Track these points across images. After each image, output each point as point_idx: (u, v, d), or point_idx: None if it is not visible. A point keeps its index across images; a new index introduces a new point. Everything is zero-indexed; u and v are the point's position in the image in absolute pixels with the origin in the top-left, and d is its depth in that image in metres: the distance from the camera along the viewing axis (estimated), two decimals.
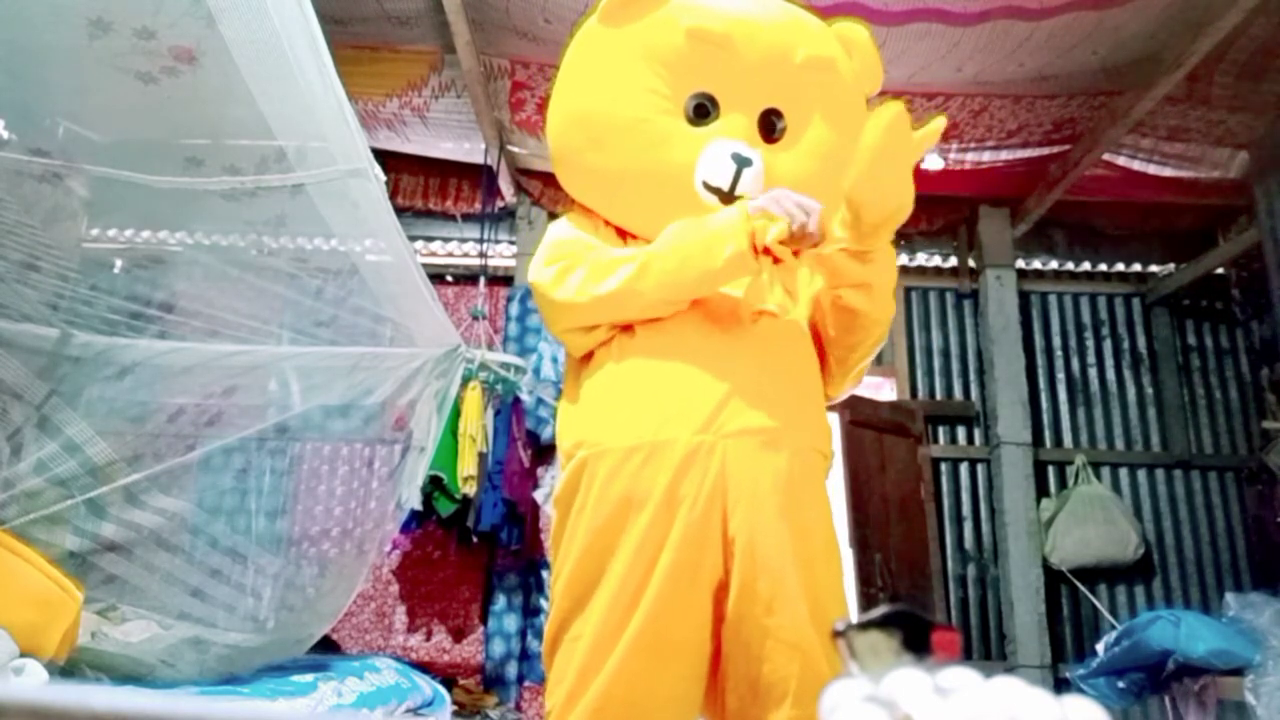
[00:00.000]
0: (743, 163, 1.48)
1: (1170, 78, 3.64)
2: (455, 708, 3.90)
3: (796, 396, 1.47)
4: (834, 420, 4.53)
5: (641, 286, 1.42)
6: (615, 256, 1.47)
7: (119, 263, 3.39)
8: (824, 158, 1.57)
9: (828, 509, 1.47)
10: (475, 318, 4.41)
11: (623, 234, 1.61)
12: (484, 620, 4.45)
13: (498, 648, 4.36)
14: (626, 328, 1.49)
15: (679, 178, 1.50)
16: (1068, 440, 4.99)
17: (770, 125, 1.56)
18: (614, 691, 1.32)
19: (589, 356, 1.53)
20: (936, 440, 4.98)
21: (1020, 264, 5.12)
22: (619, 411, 1.45)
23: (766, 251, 1.40)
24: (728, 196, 1.48)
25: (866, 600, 4.23)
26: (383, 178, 2.36)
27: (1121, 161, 4.47)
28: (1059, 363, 5.11)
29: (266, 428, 3.34)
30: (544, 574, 4.37)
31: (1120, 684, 4.00)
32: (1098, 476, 4.80)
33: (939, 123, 1.38)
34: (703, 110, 1.55)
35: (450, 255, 5.11)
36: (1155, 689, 3.96)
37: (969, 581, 4.79)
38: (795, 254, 1.52)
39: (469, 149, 4.60)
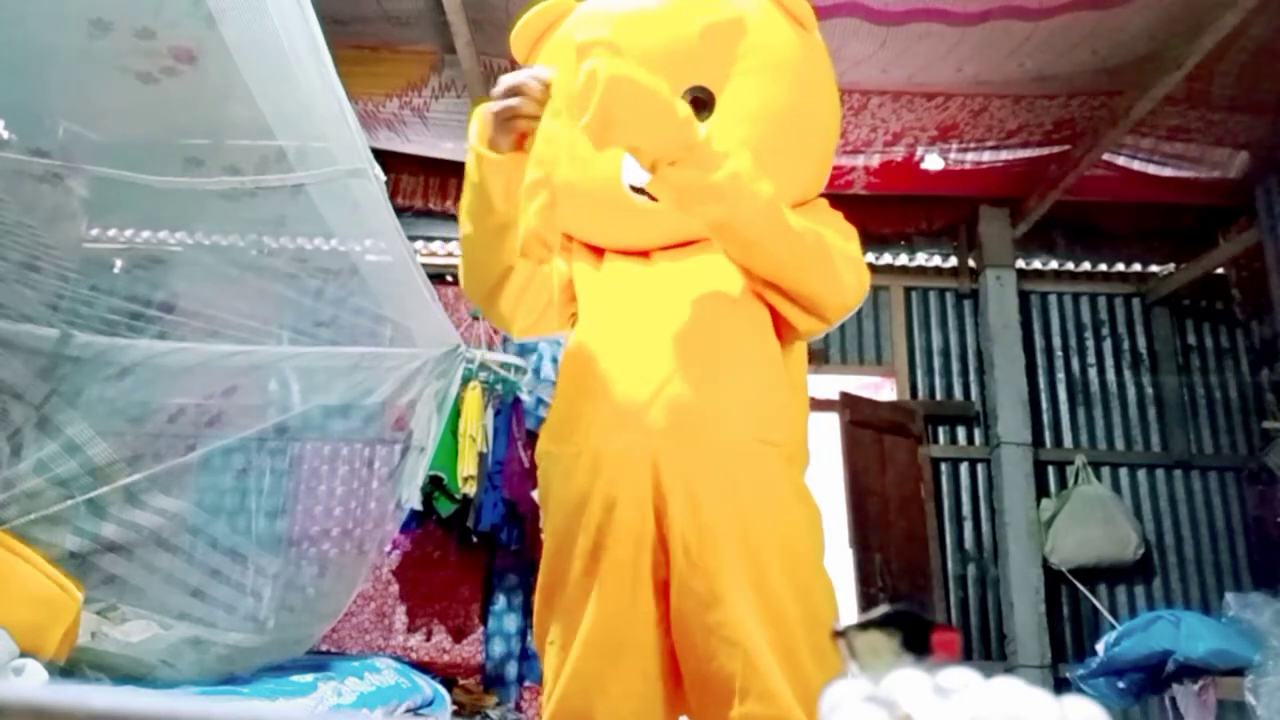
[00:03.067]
0: None
1: (1170, 78, 3.64)
2: (455, 708, 3.90)
3: (731, 385, 1.41)
4: (833, 419, 4.54)
5: (461, 233, 1.48)
6: None
7: (119, 263, 3.40)
8: (765, 118, 1.51)
9: (784, 496, 1.40)
10: (475, 318, 4.41)
11: (594, 249, 1.60)
12: (484, 620, 4.45)
13: (498, 648, 4.36)
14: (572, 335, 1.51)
15: (609, 189, 1.48)
16: (1068, 440, 4.99)
17: (699, 104, 1.51)
18: (569, 694, 1.34)
19: None
20: (936, 440, 4.98)
21: (1020, 264, 5.12)
22: (564, 416, 1.47)
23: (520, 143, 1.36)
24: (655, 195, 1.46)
25: (866, 600, 4.23)
26: (383, 178, 2.36)
27: (1121, 161, 4.47)
28: (1059, 363, 5.11)
29: (266, 428, 3.34)
30: None
31: (1120, 684, 4.00)
32: (1098, 476, 4.80)
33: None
34: None
35: (450, 255, 5.11)
36: (1155, 689, 3.97)
37: (969, 581, 4.79)
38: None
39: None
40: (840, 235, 1.50)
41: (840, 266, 1.45)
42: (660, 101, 1.27)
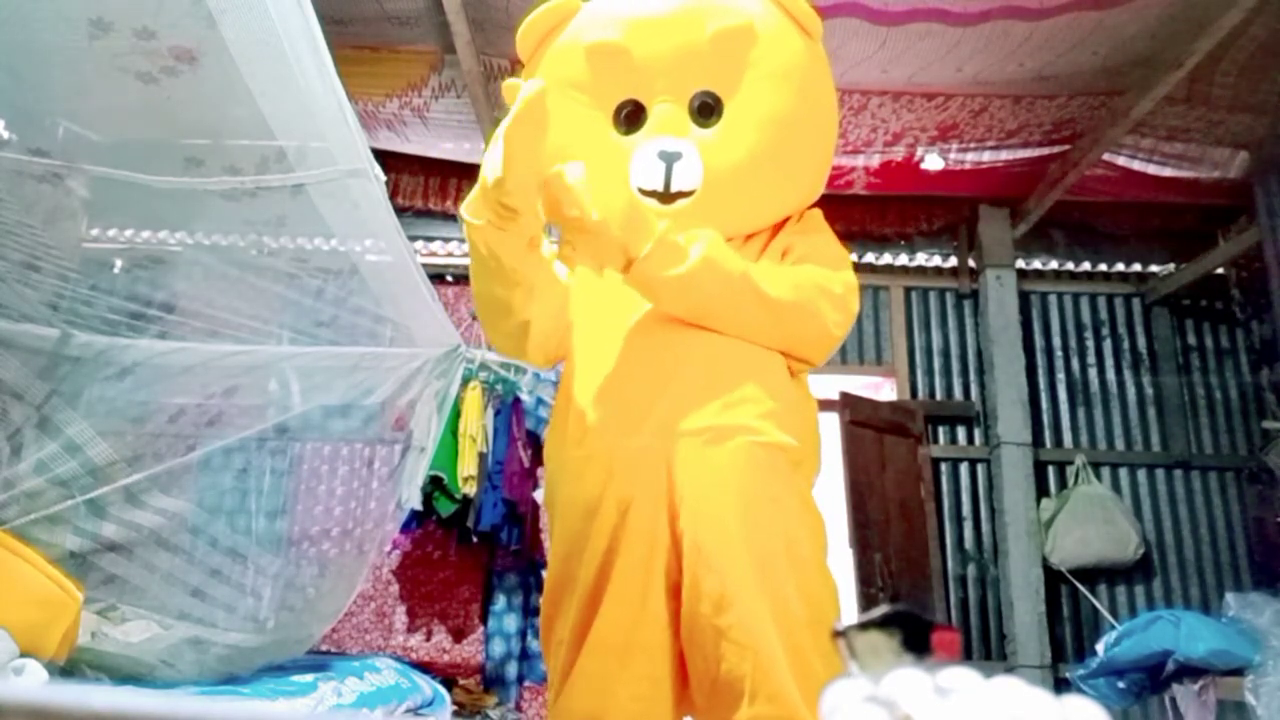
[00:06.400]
0: (670, 158, 1.47)
1: (1170, 78, 3.64)
2: (455, 708, 3.90)
3: (740, 389, 1.43)
4: (833, 419, 4.53)
5: (472, 286, 1.50)
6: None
7: (119, 263, 3.40)
8: (769, 123, 1.53)
9: (791, 503, 1.42)
10: (475, 318, 4.41)
11: None
12: (484, 620, 4.45)
13: (498, 648, 4.36)
14: (575, 338, 1.52)
15: (617, 192, 1.48)
16: (1068, 440, 4.99)
17: (707, 109, 1.54)
18: (577, 694, 1.35)
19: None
20: (936, 440, 4.97)
21: (1020, 264, 5.11)
22: (573, 419, 1.47)
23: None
24: (666, 196, 1.47)
25: (866, 600, 4.23)
26: (383, 178, 2.36)
27: (1121, 161, 4.47)
28: (1059, 363, 5.11)
29: (266, 428, 3.34)
30: (544, 574, 4.37)
31: (1120, 684, 4.00)
32: (1098, 476, 4.79)
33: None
34: (633, 118, 1.55)
35: (450, 255, 5.11)
36: (1155, 689, 3.96)
37: (969, 581, 4.79)
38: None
39: (469, 149, 4.60)
40: (830, 263, 1.51)
41: (826, 316, 1.47)
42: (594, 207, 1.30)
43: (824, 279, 1.48)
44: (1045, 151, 4.47)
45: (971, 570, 4.80)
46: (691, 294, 1.39)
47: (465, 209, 1.36)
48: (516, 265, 1.40)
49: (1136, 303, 5.21)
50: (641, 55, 1.52)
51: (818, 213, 1.65)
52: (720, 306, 1.41)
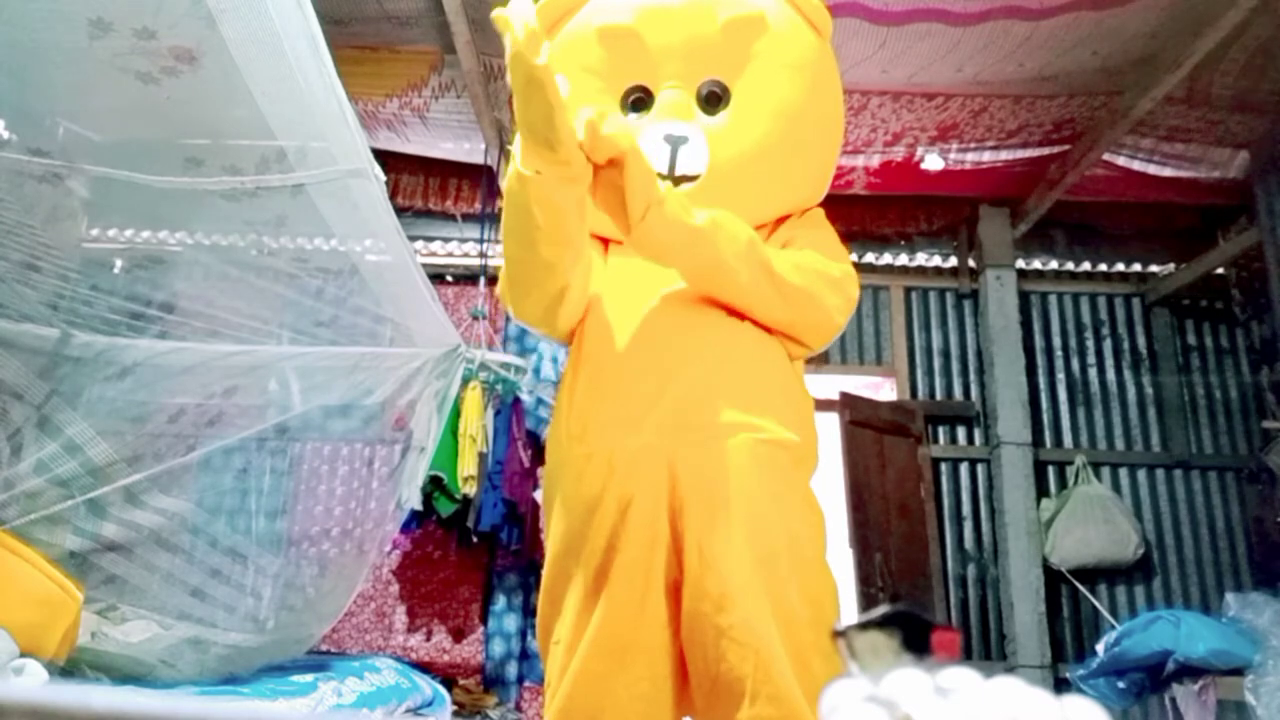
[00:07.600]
0: (676, 142, 1.48)
1: (1170, 78, 3.64)
2: (455, 708, 3.90)
3: (742, 387, 1.42)
4: (833, 419, 4.54)
5: (505, 250, 1.44)
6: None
7: (119, 263, 3.39)
8: (778, 115, 1.54)
9: (793, 500, 1.41)
10: (475, 318, 4.41)
11: (600, 240, 1.61)
12: (484, 620, 4.45)
13: (498, 648, 4.36)
14: (577, 333, 1.51)
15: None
16: (1068, 440, 4.99)
17: (714, 97, 1.54)
18: (577, 694, 1.33)
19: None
20: (936, 440, 4.97)
21: (1020, 264, 5.11)
22: (573, 417, 1.46)
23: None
24: (670, 179, 1.48)
25: (866, 600, 4.23)
26: (383, 178, 2.36)
27: (1121, 161, 4.47)
28: (1059, 363, 5.11)
29: (266, 428, 3.33)
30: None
31: (1120, 684, 4.00)
32: (1098, 476, 4.79)
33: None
34: (639, 103, 1.56)
35: (450, 255, 5.11)
36: (1155, 689, 3.96)
37: (969, 581, 4.79)
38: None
39: (469, 149, 4.60)
40: (829, 255, 1.51)
41: (828, 300, 1.47)
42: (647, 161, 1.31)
43: (823, 264, 1.48)
44: (1045, 151, 4.47)
45: (971, 570, 4.80)
46: (702, 249, 1.36)
47: (521, 162, 1.28)
48: (573, 219, 1.34)
49: (1136, 303, 5.22)
50: (653, 41, 1.53)
51: (820, 211, 1.65)
52: (730, 270, 1.39)
